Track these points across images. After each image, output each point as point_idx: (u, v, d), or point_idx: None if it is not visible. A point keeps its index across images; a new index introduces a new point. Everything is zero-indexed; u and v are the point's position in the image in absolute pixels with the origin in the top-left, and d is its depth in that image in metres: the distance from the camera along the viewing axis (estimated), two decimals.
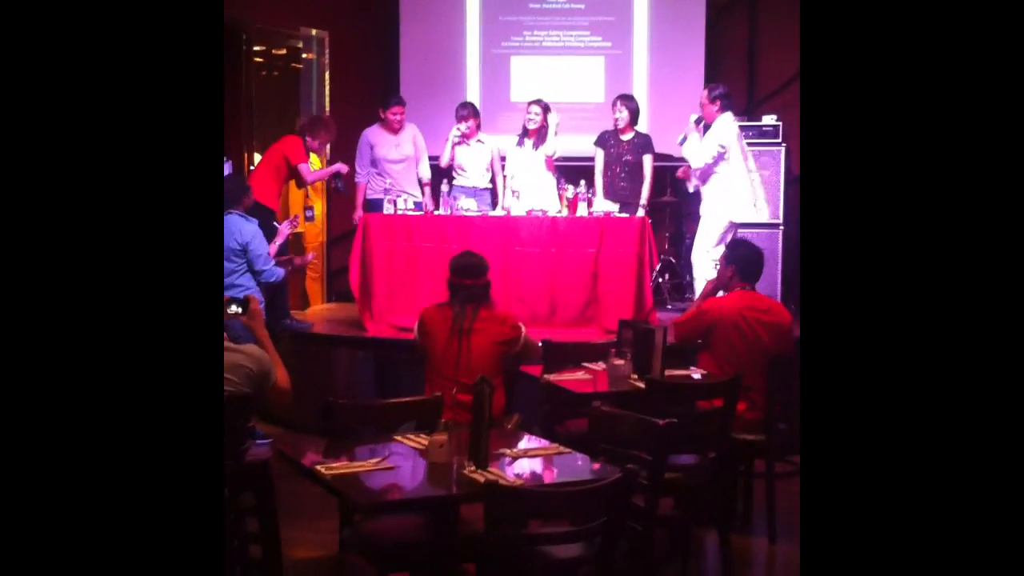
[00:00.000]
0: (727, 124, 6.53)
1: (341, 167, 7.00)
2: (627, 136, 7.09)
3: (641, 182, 7.04)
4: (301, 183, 7.05)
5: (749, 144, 7.67)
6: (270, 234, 6.26)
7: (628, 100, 7.13)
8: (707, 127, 6.58)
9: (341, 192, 7.33)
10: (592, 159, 7.23)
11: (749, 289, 4.69)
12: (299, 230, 7.19)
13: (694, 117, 6.68)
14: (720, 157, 6.48)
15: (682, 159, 6.83)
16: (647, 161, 7.04)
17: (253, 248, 5.83)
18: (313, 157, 7.08)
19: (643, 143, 7.11)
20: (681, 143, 6.72)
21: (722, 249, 5.82)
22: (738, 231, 6.69)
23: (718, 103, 6.52)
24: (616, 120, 7.06)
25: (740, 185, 6.55)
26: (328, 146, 7.40)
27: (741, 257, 4.73)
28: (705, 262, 6.53)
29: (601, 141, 7.19)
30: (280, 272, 6.03)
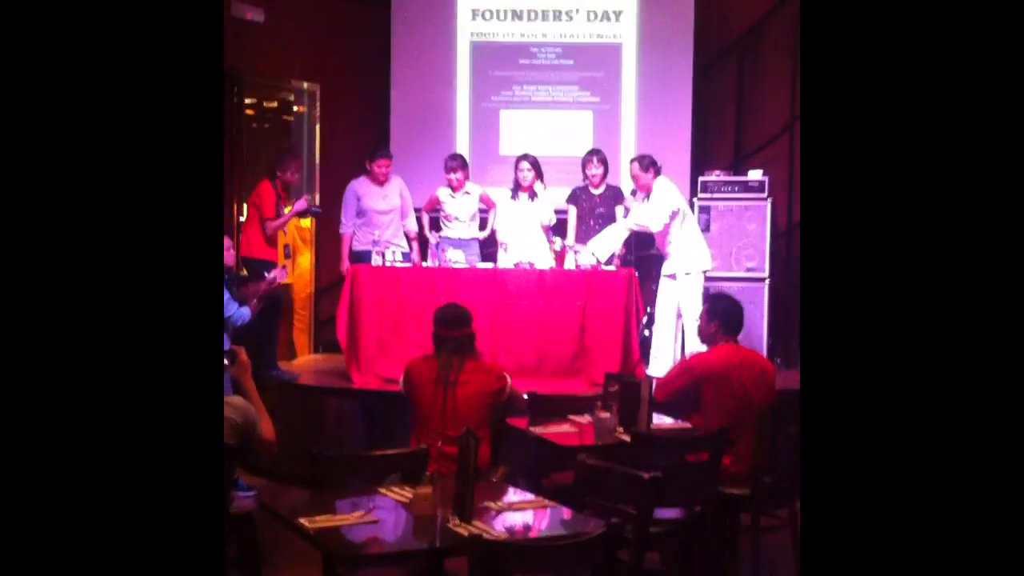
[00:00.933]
0: (669, 185, 6.80)
1: (299, 206, 6.97)
2: (598, 190, 7.25)
3: None
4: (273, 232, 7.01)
5: (735, 199, 7.79)
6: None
7: (601, 154, 7.31)
8: (646, 196, 6.79)
9: (318, 215, 7.53)
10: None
11: (732, 342, 4.71)
12: (286, 267, 7.16)
13: (629, 190, 6.96)
14: (674, 215, 6.68)
15: None
16: (619, 212, 7.22)
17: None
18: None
19: (614, 195, 7.30)
20: (626, 217, 6.92)
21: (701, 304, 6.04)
22: (720, 285, 6.80)
23: (651, 171, 6.77)
24: (592, 176, 7.20)
25: (700, 238, 6.87)
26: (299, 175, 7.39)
27: (724, 311, 4.75)
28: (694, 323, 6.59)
29: (573, 198, 7.34)
30: (246, 313, 5.96)
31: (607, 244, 6.73)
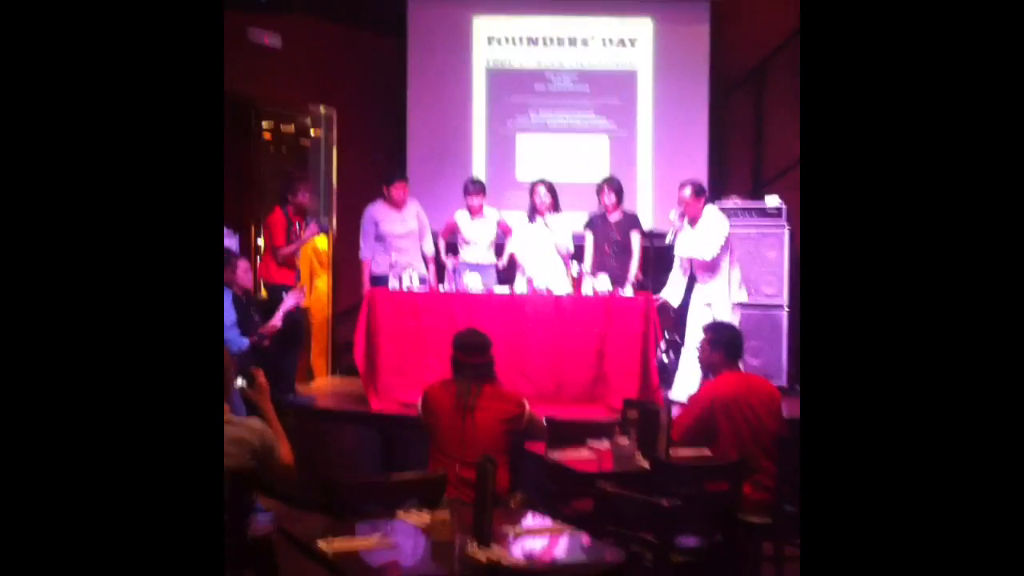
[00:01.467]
0: (718, 213, 6.76)
1: (310, 232, 6.95)
2: (614, 217, 7.23)
3: (630, 258, 7.19)
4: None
5: (753, 226, 7.76)
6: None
7: (614, 183, 7.28)
8: (692, 221, 6.71)
9: (327, 232, 7.60)
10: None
11: (734, 369, 4.69)
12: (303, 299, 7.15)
13: (673, 214, 6.78)
14: (726, 245, 6.66)
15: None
16: (635, 239, 7.23)
17: None
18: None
19: (630, 222, 7.29)
20: (671, 241, 6.82)
21: None
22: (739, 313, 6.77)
23: (703, 198, 6.73)
24: (606, 204, 7.21)
25: (737, 268, 6.83)
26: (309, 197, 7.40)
27: (727, 340, 4.73)
28: None
29: (590, 224, 7.35)
30: (244, 343, 5.98)
31: (675, 289, 6.80)
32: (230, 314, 5.91)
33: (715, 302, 6.71)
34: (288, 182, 7.01)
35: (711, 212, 6.73)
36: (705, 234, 6.66)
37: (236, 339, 5.91)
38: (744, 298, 6.83)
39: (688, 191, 6.68)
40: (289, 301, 6.36)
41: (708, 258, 6.65)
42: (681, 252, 6.78)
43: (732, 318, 6.61)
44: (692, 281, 6.94)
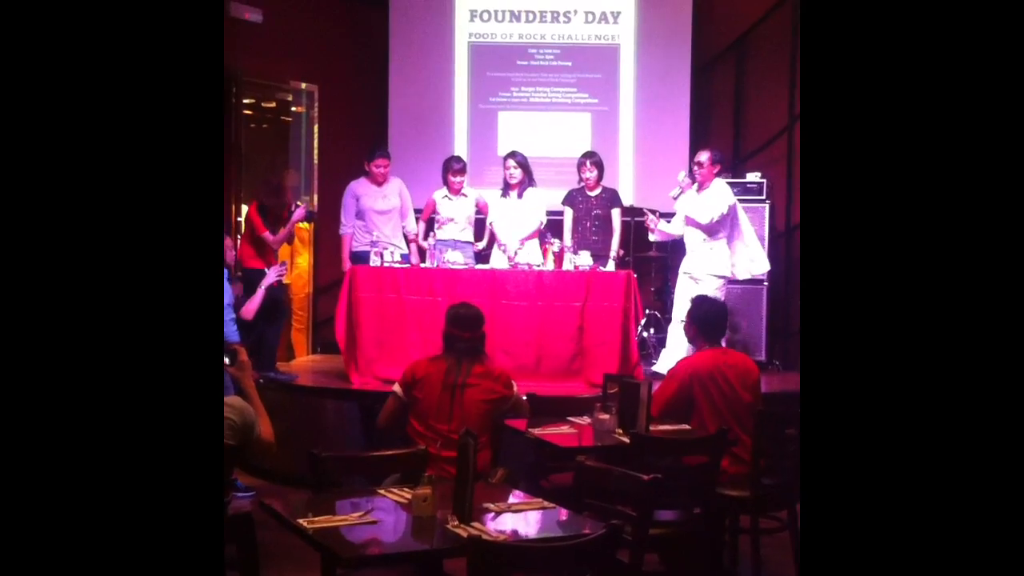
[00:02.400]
0: (725, 186, 6.89)
1: (298, 215, 6.92)
2: (594, 192, 7.27)
3: (611, 235, 7.22)
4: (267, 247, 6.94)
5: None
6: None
7: (595, 157, 7.32)
8: (699, 186, 6.82)
9: (314, 218, 7.61)
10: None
11: (715, 345, 4.71)
12: (285, 273, 7.13)
13: (682, 175, 6.88)
14: (727, 214, 6.76)
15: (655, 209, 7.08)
16: (616, 214, 7.28)
17: None
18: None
19: (610, 197, 7.33)
20: (676, 197, 6.89)
21: None
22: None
23: (718, 167, 6.90)
24: (587, 179, 7.22)
25: (752, 242, 6.94)
26: (291, 194, 7.36)
27: (702, 317, 4.76)
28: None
29: (569, 199, 7.37)
30: (234, 338, 5.98)
31: (668, 227, 6.95)
32: (227, 296, 5.90)
33: (702, 277, 6.76)
34: (264, 187, 6.96)
35: (720, 184, 6.86)
36: (709, 199, 6.78)
37: (233, 332, 5.92)
38: (726, 273, 6.89)
39: (705, 156, 6.85)
40: (271, 276, 6.35)
41: (704, 221, 6.74)
42: (681, 209, 6.86)
43: (718, 294, 6.67)
44: (680, 255, 6.99)
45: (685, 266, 6.93)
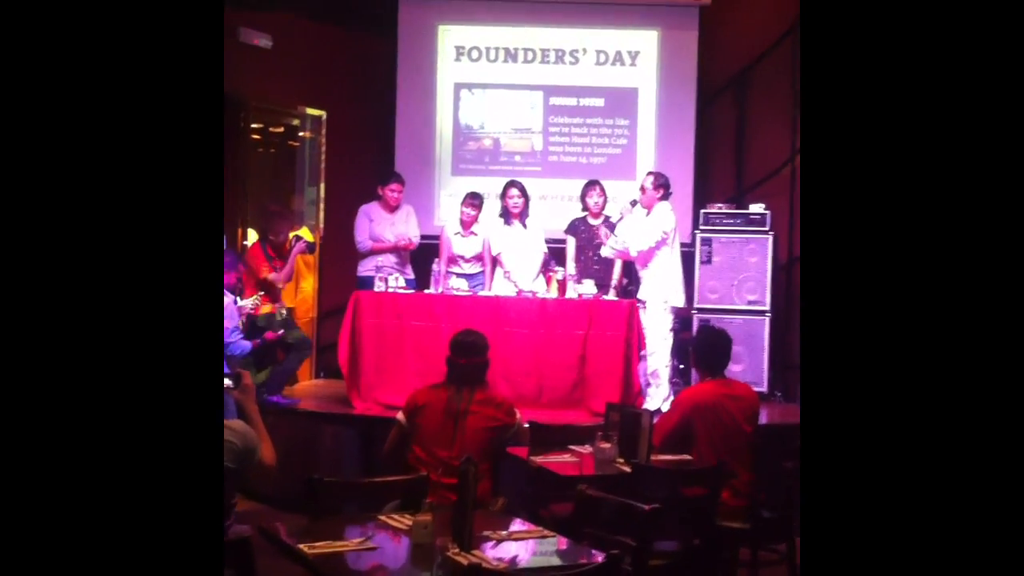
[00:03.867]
0: (668, 211, 6.79)
1: (298, 248, 6.99)
2: (597, 221, 7.25)
3: (613, 263, 7.21)
4: (277, 290, 6.98)
5: (737, 231, 7.82)
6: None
7: (601, 186, 7.31)
8: (646, 208, 6.80)
9: (313, 250, 7.67)
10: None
11: (717, 376, 4.68)
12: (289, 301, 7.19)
13: (631, 200, 6.90)
14: (662, 242, 6.67)
15: None
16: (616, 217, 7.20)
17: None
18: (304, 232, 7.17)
19: (612, 226, 7.26)
20: (617, 222, 6.90)
21: (671, 336, 6.53)
22: (721, 318, 6.81)
23: (661, 191, 6.80)
24: (592, 205, 7.22)
25: (677, 270, 6.79)
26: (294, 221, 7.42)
27: (701, 350, 4.76)
28: (663, 350, 6.65)
29: (572, 229, 7.37)
30: (246, 346, 6.05)
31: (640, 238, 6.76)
32: (232, 319, 5.96)
33: (648, 300, 6.74)
34: (270, 220, 7.00)
35: (662, 208, 6.77)
36: (646, 226, 6.71)
37: (238, 343, 5.97)
38: (679, 303, 6.78)
39: (649, 180, 6.82)
40: (300, 246, 6.63)
41: (637, 248, 6.68)
42: (621, 234, 6.80)
43: (666, 318, 6.66)
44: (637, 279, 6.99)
45: (640, 293, 6.86)
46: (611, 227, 6.99)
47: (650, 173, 6.97)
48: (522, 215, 7.17)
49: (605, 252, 6.95)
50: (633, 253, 6.72)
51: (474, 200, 7.29)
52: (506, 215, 7.21)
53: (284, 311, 6.80)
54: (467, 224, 7.27)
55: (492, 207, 7.81)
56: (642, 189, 6.86)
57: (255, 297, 6.43)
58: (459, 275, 7.18)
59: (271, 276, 6.71)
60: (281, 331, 6.46)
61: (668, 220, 6.72)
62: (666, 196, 6.82)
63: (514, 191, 7.16)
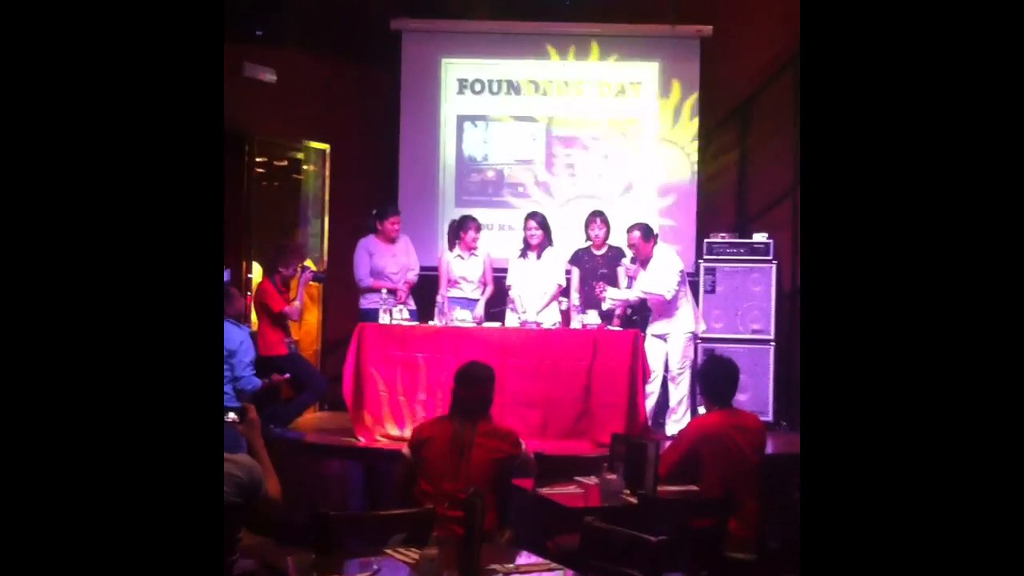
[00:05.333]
0: (669, 250, 7.03)
1: (305, 278, 7.04)
2: (601, 251, 7.29)
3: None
4: (287, 320, 7.03)
5: (741, 261, 7.84)
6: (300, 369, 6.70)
7: (604, 216, 7.36)
8: (643, 262, 6.91)
9: (323, 279, 7.70)
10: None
11: (726, 406, 4.67)
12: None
13: (628, 259, 7.03)
14: (682, 280, 6.85)
15: None
16: (621, 272, 7.27)
17: (239, 355, 5.99)
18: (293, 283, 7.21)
19: (616, 256, 7.34)
20: (628, 286, 7.00)
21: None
22: (725, 347, 6.87)
23: (652, 240, 6.95)
24: (595, 237, 7.24)
25: (691, 300, 7.05)
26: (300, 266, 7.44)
27: (709, 378, 4.77)
28: (686, 378, 6.85)
29: (576, 259, 7.38)
30: (257, 382, 6.10)
31: (619, 294, 6.94)
32: (249, 353, 5.99)
33: (670, 334, 6.84)
34: (280, 253, 7.04)
35: (662, 251, 6.95)
36: (660, 272, 6.83)
37: (250, 378, 5.99)
38: (701, 329, 7.03)
39: (637, 234, 6.92)
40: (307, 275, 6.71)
41: (668, 296, 6.80)
42: (637, 291, 6.92)
43: (684, 348, 6.83)
44: (646, 317, 7.05)
45: (654, 328, 6.98)
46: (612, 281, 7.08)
47: (634, 228, 7.02)
48: (541, 247, 7.19)
49: (607, 305, 6.96)
50: (669, 296, 6.80)
51: (472, 223, 7.33)
52: (525, 247, 7.24)
53: (294, 345, 6.85)
54: (469, 248, 7.31)
55: (493, 237, 7.83)
56: (632, 246, 6.98)
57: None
58: (459, 298, 7.19)
59: (287, 309, 6.73)
60: (287, 375, 6.51)
61: (676, 259, 6.92)
62: (656, 241, 6.97)
63: (532, 223, 7.19)
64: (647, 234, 6.90)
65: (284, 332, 6.77)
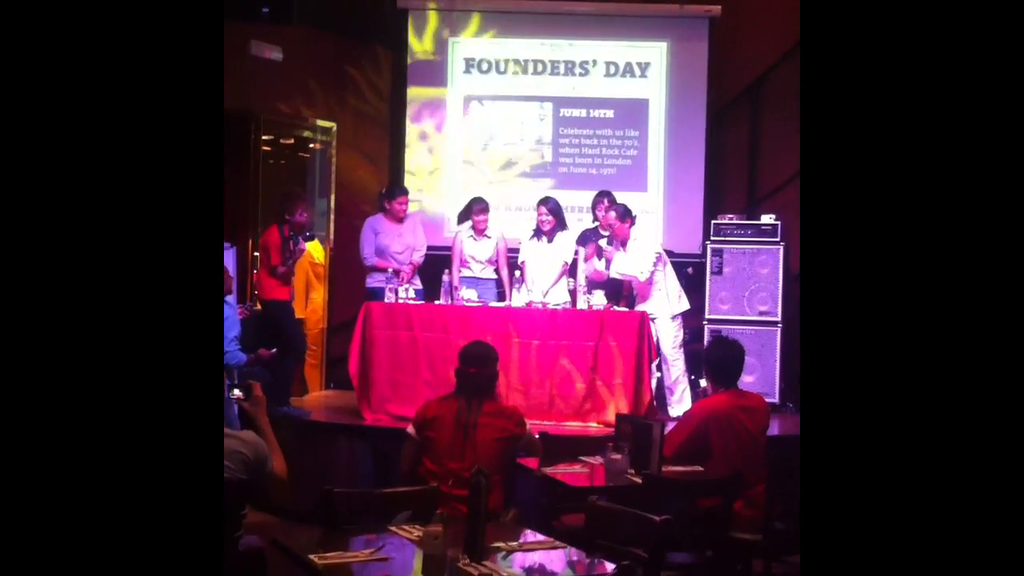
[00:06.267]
0: (645, 233, 7.01)
1: (302, 247, 6.95)
2: (607, 232, 7.23)
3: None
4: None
5: (748, 242, 7.81)
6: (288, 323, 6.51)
7: (611, 197, 7.35)
8: (621, 243, 6.90)
9: (315, 238, 7.54)
10: None
11: (730, 387, 4.65)
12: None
13: (604, 242, 6.97)
14: (658, 261, 6.84)
15: None
16: (582, 253, 7.20)
17: (224, 331, 5.99)
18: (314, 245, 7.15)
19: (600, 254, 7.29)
20: (606, 268, 6.96)
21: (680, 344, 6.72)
22: (732, 328, 6.85)
23: (629, 220, 6.91)
24: (604, 218, 7.22)
25: (675, 281, 7.03)
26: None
27: (713, 362, 4.75)
28: (680, 360, 6.88)
29: (583, 239, 7.37)
30: (242, 357, 6.05)
31: (639, 267, 6.88)
32: (233, 328, 5.96)
33: (656, 314, 6.82)
34: (287, 200, 6.99)
35: (640, 233, 6.94)
36: (637, 253, 6.83)
37: (235, 353, 5.97)
38: (684, 308, 7.00)
39: (613, 215, 6.90)
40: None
41: (643, 278, 6.81)
42: (616, 272, 6.90)
43: (673, 329, 6.85)
44: (632, 299, 7.05)
45: (638, 307, 6.94)
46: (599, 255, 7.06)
47: (610, 208, 7.01)
48: (552, 231, 7.17)
49: (582, 272, 6.92)
50: (643, 279, 6.82)
51: (479, 204, 7.33)
52: (537, 231, 7.23)
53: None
54: (479, 229, 7.31)
55: (501, 218, 7.80)
56: (609, 227, 6.96)
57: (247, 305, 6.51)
58: (468, 278, 7.18)
59: (280, 270, 6.70)
60: (274, 349, 6.47)
61: (652, 243, 6.93)
62: (634, 222, 6.94)
63: (544, 209, 7.18)
64: (623, 215, 6.88)
65: (281, 281, 6.75)
